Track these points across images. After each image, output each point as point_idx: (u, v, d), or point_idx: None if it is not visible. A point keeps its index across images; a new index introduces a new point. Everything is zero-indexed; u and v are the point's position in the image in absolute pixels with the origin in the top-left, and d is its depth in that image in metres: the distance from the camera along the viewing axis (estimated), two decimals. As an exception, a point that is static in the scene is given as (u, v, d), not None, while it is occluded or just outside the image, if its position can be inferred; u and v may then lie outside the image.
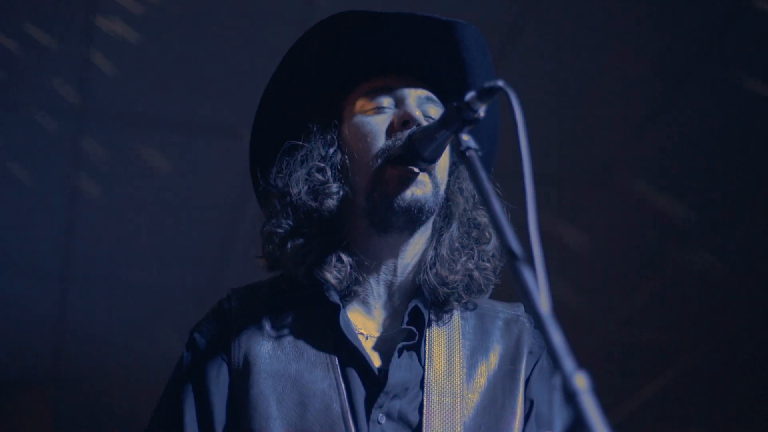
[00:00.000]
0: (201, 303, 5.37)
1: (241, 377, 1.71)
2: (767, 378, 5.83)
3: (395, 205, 1.71)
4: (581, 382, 1.11)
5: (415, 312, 1.76)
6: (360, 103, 1.82)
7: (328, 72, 1.87)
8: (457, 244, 1.79)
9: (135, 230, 4.85)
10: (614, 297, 5.32)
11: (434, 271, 1.77)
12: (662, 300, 5.28)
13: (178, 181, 4.53)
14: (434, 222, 1.83)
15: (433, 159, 1.71)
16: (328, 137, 1.81)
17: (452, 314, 1.81)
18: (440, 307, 1.80)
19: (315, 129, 1.83)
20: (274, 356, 1.71)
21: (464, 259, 1.78)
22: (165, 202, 4.65)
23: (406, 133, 1.72)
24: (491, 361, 1.77)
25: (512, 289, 1.78)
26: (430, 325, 1.77)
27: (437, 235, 1.81)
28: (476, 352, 1.78)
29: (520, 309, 1.88)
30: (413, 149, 1.69)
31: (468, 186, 1.84)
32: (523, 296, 1.23)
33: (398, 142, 1.73)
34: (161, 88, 4.04)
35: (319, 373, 1.69)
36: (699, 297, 5.25)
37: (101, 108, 4.13)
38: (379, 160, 1.73)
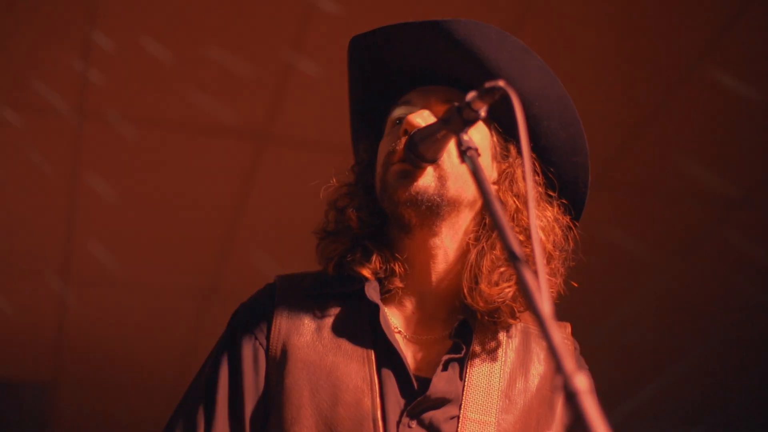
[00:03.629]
0: (201, 303, 5.39)
1: (278, 365, 1.74)
2: (767, 378, 5.83)
3: (397, 199, 1.74)
4: (582, 382, 1.11)
5: (462, 325, 1.76)
6: (388, 122, 1.89)
7: (368, 100, 1.96)
8: (499, 253, 1.76)
9: (135, 230, 4.84)
10: (614, 297, 5.32)
11: (477, 288, 1.74)
12: (662, 300, 5.28)
13: (178, 181, 4.53)
14: (477, 231, 1.80)
15: (435, 159, 1.72)
16: (367, 159, 1.91)
17: (499, 330, 1.78)
18: (489, 321, 1.77)
19: (358, 149, 1.96)
20: (312, 346, 1.73)
21: (504, 268, 1.75)
22: (165, 201, 4.65)
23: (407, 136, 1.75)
24: (531, 383, 1.76)
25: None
26: (475, 340, 1.76)
27: (477, 244, 1.79)
28: (517, 371, 1.77)
29: (566, 330, 1.86)
30: (415, 150, 1.70)
31: (517, 187, 1.82)
32: (524, 296, 1.24)
33: (398, 145, 1.76)
34: (161, 88, 4.04)
35: (355, 367, 1.70)
36: (699, 297, 5.25)
37: (101, 107, 4.12)
38: (382, 166, 1.79)
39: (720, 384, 5.97)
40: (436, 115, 1.79)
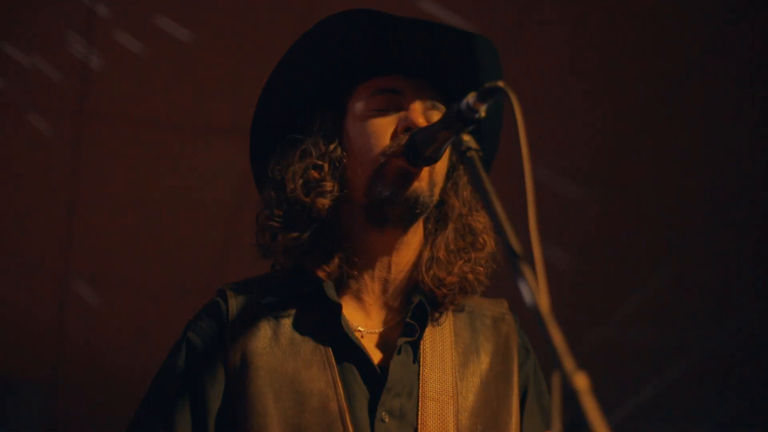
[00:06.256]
0: (201, 303, 5.38)
1: (238, 376, 1.71)
2: (767, 378, 5.83)
3: (394, 198, 1.72)
4: (581, 381, 1.12)
5: (418, 307, 1.78)
6: (366, 103, 1.82)
7: (336, 67, 1.86)
8: (452, 247, 1.82)
9: (135, 230, 4.85)
10: (614, 297, 5.32)
11: (431, 272, 1.79)
12: (662, 300, 5.28)
13: (178, 181, 4.53)
14: (427, 224, 1.84)
15: (434, 159, 1.72)
16: (330, 133, 1.82)
17: (445, 313, 1.83)
18: (435, 306, 1.82)
19: (317, 124, 1.83)
20: (270, 354, 1.71)
21: (461, 262, 1.81)
22: (165, 201, 4.66)
23: (408, 133, 1.74)
24: (483, 361, 1.80)
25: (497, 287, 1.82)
26: (428, 322, 1.79)
27: (432, 236, 1.83)
28: (468, 351, 1.80)
29: (504, 306, 1.91)
30: (415, 149, 1.70)
31: (464, 192, 1.86)
32: (524, 295, 1.24)
33: (400, 141, 1.74)
34: (161, 88, 4.04)
35: (316, 371, 1.70)
36: (699, 296, 5.25)
37: (101, 108, 4.13)
38: (381, 158, 1.74)
39: (720, 384, 5.97)
40: (420, 110, 1.79)
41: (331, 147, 1.80)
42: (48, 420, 6.27)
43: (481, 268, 1.83)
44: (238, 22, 3.77)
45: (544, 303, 1.21)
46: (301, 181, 1.78)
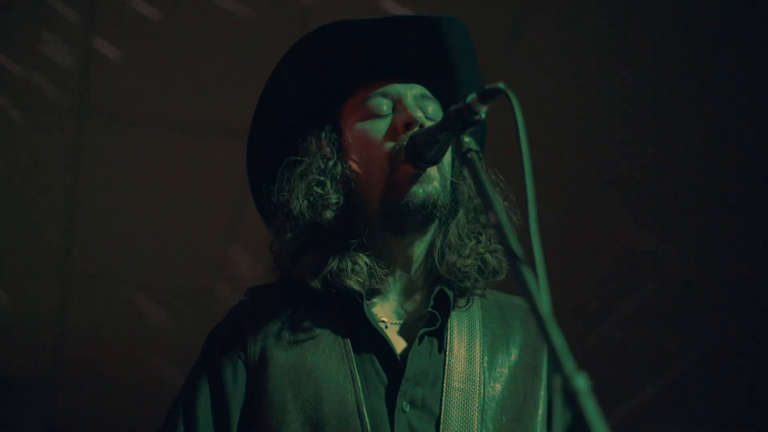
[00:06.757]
0: (201, 303, 5.39)
1: (258, 372, 1.73)
2: (767, 378, 5.84)
3: (410, 204, 1.72)
4: (582, 382, 1.12)
5: (440, 296, 1.78)
6: (357, 111, 1.83)
7: (320, 83, 1.88)
8: (465, 230, 1.82)
9: (135, 230, 4.85)
10: (614, 297, 5.32)
11: (445, 259, 1.79)
12: (662, 300, 5.28)
13: (178, 181, 4.53)
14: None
15: (436, 160, 1.72)
16: (327, 149, 1.83)
17: (472, 302, 1.82)
18: (460, 293, 1.81)
19: (313, 143, 1.84)
20: (290, 350, 1.73)
21: (473, 243, 1.81)
22: (165, 201, 4.66)
23: (409, 133, 1.74)
24: (512, 352, 1.79)
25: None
26: (451, 312, 1.79)
27: (444, 222, 1.82)
28: (497, 341, 1.80)
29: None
30: (416, 152, 1.70)
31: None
32: (524, 297, 1.24)
33: (401, 144, 1.74)
34: (162, 88, 4.04)
35: (335, 364, 1.71)
36: (699, 297, 5.25)
37: (101, 107, 4.13)
38: (387, 165, 1.75)
39: (720, 384, 5.98)
40: (413, 103, 1.80)
41: (330, 163, 1.81)
42: (48, 420, 6.28)
43: (498, 246, 1.82)
44: (238, 21, 3.77)
45: (545, 305, 1.21)
46: (306, 201, 1.78)
